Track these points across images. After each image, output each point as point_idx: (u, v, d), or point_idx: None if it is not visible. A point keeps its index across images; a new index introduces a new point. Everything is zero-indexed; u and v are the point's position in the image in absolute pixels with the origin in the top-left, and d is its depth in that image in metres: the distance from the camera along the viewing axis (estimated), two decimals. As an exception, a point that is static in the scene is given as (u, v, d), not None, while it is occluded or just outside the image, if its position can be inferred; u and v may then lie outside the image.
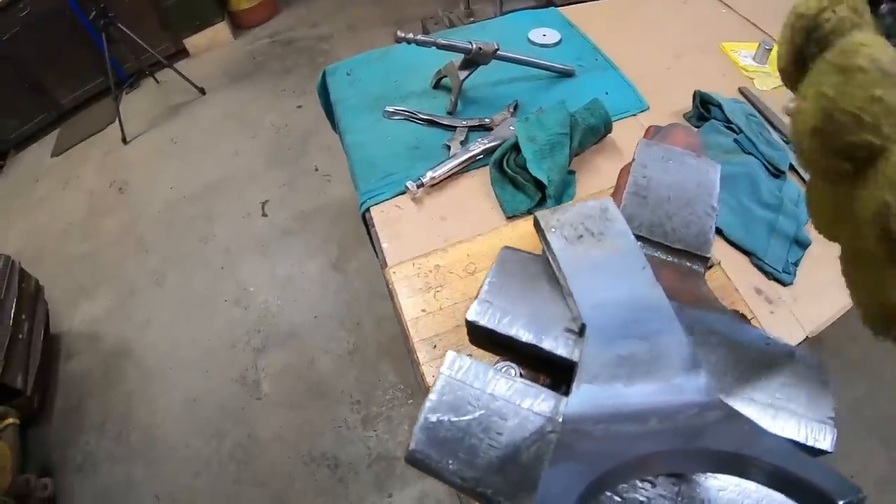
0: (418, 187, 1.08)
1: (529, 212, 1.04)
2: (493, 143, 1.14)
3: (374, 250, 1.08)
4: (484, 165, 1.14)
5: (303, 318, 2.28)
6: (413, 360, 0.86)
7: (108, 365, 2.30)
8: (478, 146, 1.14)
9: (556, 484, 0.21)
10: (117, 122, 3.30)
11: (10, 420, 1.92)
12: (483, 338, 0.40)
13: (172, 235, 2.72)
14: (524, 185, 1.05)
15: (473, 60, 1.24)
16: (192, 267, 2.57)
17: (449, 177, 1.12)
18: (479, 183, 1.12)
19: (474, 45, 1.21)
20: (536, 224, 0.37)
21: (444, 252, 0.94)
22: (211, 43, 3.87)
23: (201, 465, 1.96)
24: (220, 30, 3.85)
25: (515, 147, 1.09)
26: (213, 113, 3.38)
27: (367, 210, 1.11)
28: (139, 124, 3.39)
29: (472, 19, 2.64)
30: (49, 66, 3.38)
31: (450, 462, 0.31)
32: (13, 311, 2.13)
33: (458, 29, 1.67)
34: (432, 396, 0.34)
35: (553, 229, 0.36)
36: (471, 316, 0.39)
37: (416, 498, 1.77)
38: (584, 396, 0.27)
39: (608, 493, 0.27)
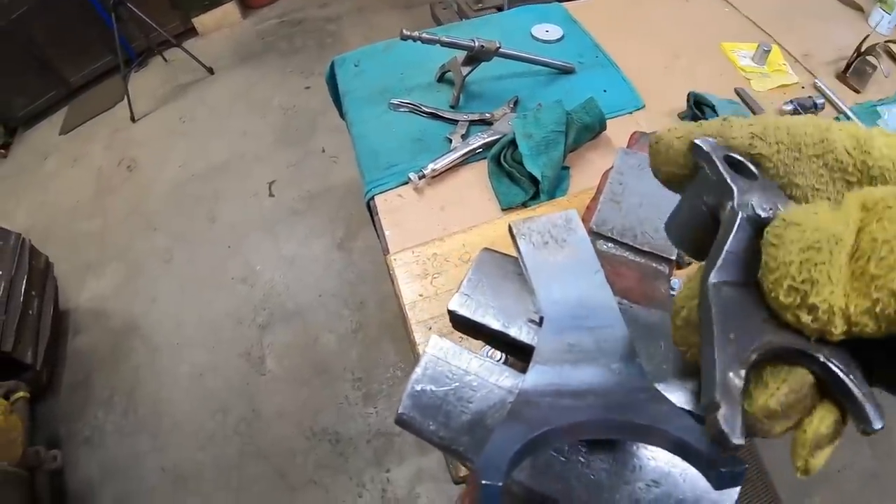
0: (420, 178, 1.14)
1: (524, 204, 1.10)
2: (492, 138, 1.20)
3: (378, 235, 1.14)
4: (483, 159, 1.20)
5: (308, 296, 2.34)
6: (410, 341, 0.93)
7: (115, 340, 2.37)
8: (478, 140, 1.20)
9: (502, 438, 0.27)
10: (126, 100, 3.33)
11: (20, 394, 1.98)
12: (462, 325, 0.48)
13: (180, 214, 2.78)
14: (520, 180, 1.11)
15: (476, 57, 1.29)
16: (199, 245, 2.63)
17: (449, 169, 1.18)
18: (477, 176, 1.18)
19: (477, 43, 1.26)
20: (510, 230, 0.42)
21: (441, 241, 1.01)
22: (220, 22, 3.90)
23: (206, 438, 2.04)
24: (230, 9, 3.88)
25: (513, 142, 1.15)
26: (221, 92, 3.42)
27: (372, 198, 1.17)
28: (148, 103, 3.43)
29: (480, 5, 2.67)
30: (58, 45, 3.42)
31: (430, 424, 0.37)
32: (23, 287, 2.18)
33: (464, 22, 1.72)
34: (418, 370, 0.41)
35: (523, 236, 0.42)
36: (451, 306, 0.47)
37: (412, 472, 1.85)
38: (537, 375, 0.34)
39: (553, 454, 0.34)
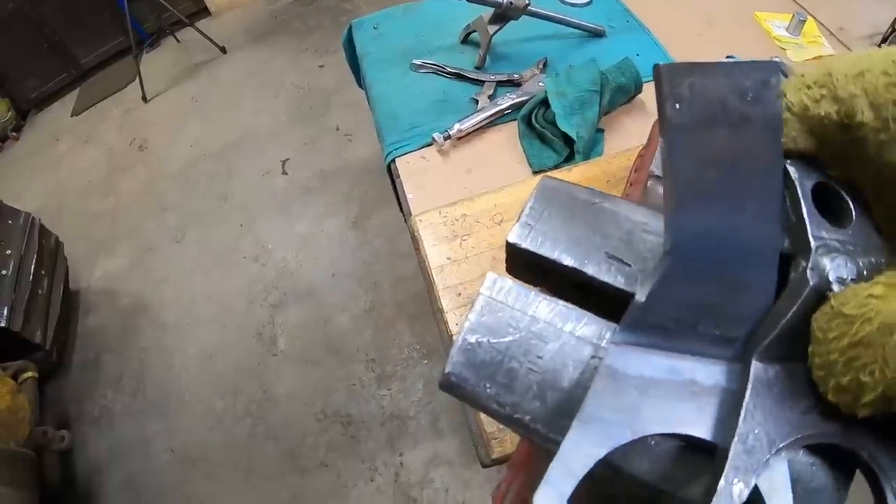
0: (445, 139, 1.08)
1: (556, 167, 1.03)
2: (521, 99, 1.13)
3: (399, 204, 1.08)
4: (511, 120, 1.14)
5: (321, 275, 2.29)
6: (437, 310, 0.86)
7: (125, 321, 2.34)
8: (506, 101, 1.13)
9: (568, 455, 0.23)
10: (138, 80, 3.29)
11: (29, 373, 1.95)
12: (523, 263, 0.39)
13: (192, 193, 2.74)
14: (552, 141, 1.04)
15: (504, 15, 1.22)
16: (211, 224, 2.58)
17: (475, 131, 1.11)
18: (505, 137, 1.11)
19: (505, 0, 1.19)
20: (658, 79, 0.25)
21: (470, 202, 0.94)
22: (233, 2, 3.84)
23: (215, 419, 2.00)
24: (243, -10, 3.82)
25: (544, 102, 1.08)
26: (233, 72, 3.37)
27: (392, 161, 1.11)
28: (159, 83, 3.39)
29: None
30: (69, 26, 3.39)
31: (487, 386, 0.29)
32: (33, 267, 2.16)
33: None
34: (471, 317, 0.32)
35: (675, 99, 0.25)
36: (512, 238, 0.37)
37: (427, 457, 1.79)
38: (634, 334, 0.27)
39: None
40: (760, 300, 0.25)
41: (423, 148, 1.11)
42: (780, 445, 0.23)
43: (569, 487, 0.24)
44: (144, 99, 3.32)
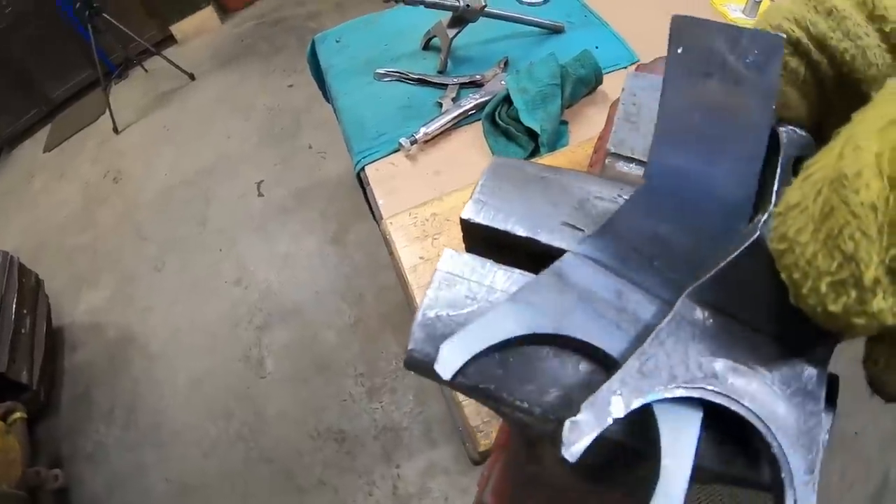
0: (412, 143, 1.08)
1: (523, 161, 1.04)
2: (484, 99, 1.14)
3: (372, 212, 1.08)
4: (476, 121, 1.14)
5: (304, 294, 2.28)
6: (414, 309, 0.86)
7: (112, 353, 2.31)
8: (470, 101, 1.14)
9: (479, 325, 0.24)
10: (108, 112, 3.28)
11: (18, 414, 1.93)
12: (479, 239, 0.39)
13: (169, 221, 2.72)
14: (517, 136, 1.05)
15: (462, 18, 1.24)
16: (190, 250, 2.57)
17: (441, 133, 1.12)
18: (471, 137, 1.12)
19: (462, 2, 1.20)
20: (671, 26, 0.27)
21: (440, 201, 0.95)
22: (198, 28, 3.84)
23: (209, 445, 1.98)
24: (207, 14, 3.82)
25: (507, 99, 1.09)
26: (203, 98, 3.36)
27: (362, 170, 1.11)
28: (130, 114, 3.38)
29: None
30: (36, 61, 3.37)
31: (465, 372, 0.30)
32: (14, 306, 2.13)
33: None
34: (429, 292, 0.31)
35: (677, 44, 0.27)
36: (465, 214, 0.37)
37: (423, 468, 1.78)
38: (593, 246, 0.28)
39: None
40: (722, 258, 0.24)
41: (391, 154, 1.11)
42: (681, 384, 0.23)
43: (476, 347, 0.25)
44: (116, 130, 3.30)
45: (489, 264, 0.33)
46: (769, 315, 0.24)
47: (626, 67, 1.27)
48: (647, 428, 0.24)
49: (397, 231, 0.92)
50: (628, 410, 0.22)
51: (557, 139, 1.07)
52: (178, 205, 2.78)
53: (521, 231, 0.35)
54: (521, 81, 1.08)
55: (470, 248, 0.42)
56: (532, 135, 1.03)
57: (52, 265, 2.63)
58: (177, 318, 2.34)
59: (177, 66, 3.40)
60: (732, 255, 0.23)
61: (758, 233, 0.23)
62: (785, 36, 0.25)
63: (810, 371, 0.24)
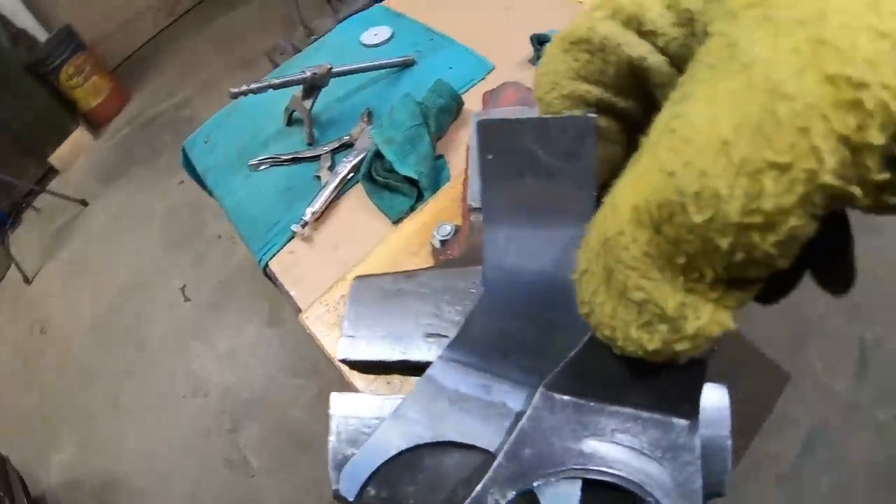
0: (303, 226, 1.09)
1: (412, 208, 1.05)
2: (358, 159, 1.15)
3: (286, 299, 1.08)
4: (357, 183, 1.15)
5: (261, 382, 2.26)
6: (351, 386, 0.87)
7: (101, 502, 2.23)
8: (345, 166, 1.15)
9: (368, 448, 0.27)
10: (14, 265, 3.15)
11: None
12: (362, 369, 0.42)
13: (109, 354, 2.64)
14: (398, 187, 1.06)
15: (313, 86, 1.25)
16: (139, 376, 2.50)
17: (329, 205, 1.13)
18: (358, 201, 1.13)
19: (308, 73, 1.21)
20: (477, 132, 0.27)
21: (344, 281, 0.95)
22: (75, 152, 3.71)
23: (223, 559, 1.94)
24: (79, 135, 3.70)
25: (378, 154, 1.10)
26: (101, 220, 3.26)
27: (266, 265, 1.11)
28: (35, 259, 3.24)
29: (313, 37, 2.62)
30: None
31: (370, 490, 0.32)
32: (-16, 493, 2.03)
33: (296, 57, 1.67)
34: (331, 439, 0.35)
35: (491, 155, 0.27)
36: (340, 355, 0.41)
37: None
38: (444, 366, 0.30)
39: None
40: (572, 340, 0.25)
41: (288, 242, 1.12)
42: (551, 471, 0.25)
43: (367, 471, 0.28)
44: (27, 280, 3.16)
45: (371, 398, 0.36)
46: (625, 388, 0.25)
47: (484, 78, 1.30)
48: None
49: (315, 323, 0.92)
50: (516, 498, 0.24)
51: (437, 177, 1.09)
52: (112, 334, 2.70)
53: (394, 356, 0.39)
54: (386, 132, 1.10)
55: (361, 371, 0.45)
56: (413, 181, 1.05)
57: (10, 437, 2.49)
58: (150, 446, 2.27)
59: (66, 197, 3.29)
60: (580, 345, 0.24)
61: None
62: (595, 115, 0.24)
63: (680, 424, 0.25)
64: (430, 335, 0.39)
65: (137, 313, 2.71)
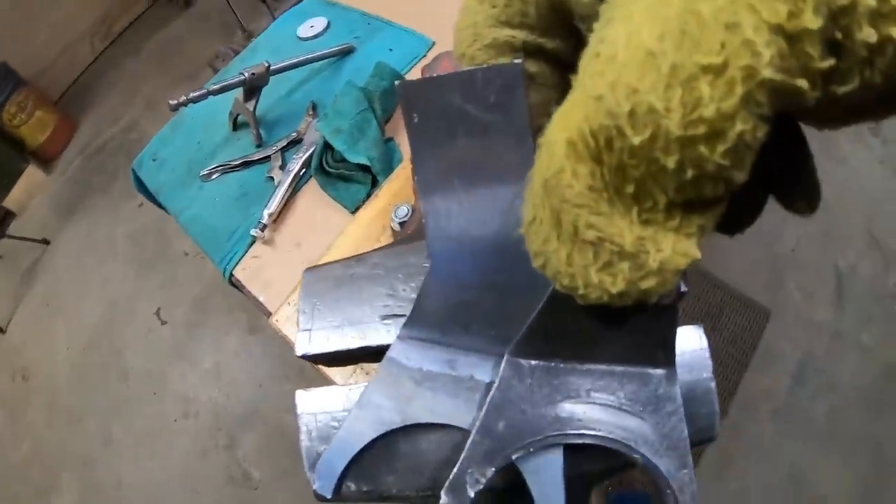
0: (262, 230, 1.07)
1: (369, 195, 1.04)
2: (308, 153, 1.13)
3: (256, 306, 1.06)
4: (311, 178, 1.13)
5: (250, 392, 2.24)
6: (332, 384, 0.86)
7: (108, 541, 2.20)
8: (296, 163, 1.13)
9: (340, 440, 0.26)
10: (-17, 316, 3.09)
11: None
12: (325, 362, 0.41)
13: (94, 390, 2.60)
14: (352, 176, 1.05)
15: (252, 87, 1.22)
16: (128, 409, 2.46)
17: (286, 205, 1.11)
18: (313, 196, 1.11)
19: (246, 74, 1.18)
20: (398, 96, 0.26)
21: (308, 278, 0.94)
22: (29, 191, 3.62)
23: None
24: (30, 174, 3.60)
25: (328, 145, 1.08)
26: (66, 257, 3.19)
27: (231, 275, 1.09)
28: (5, 306, 3.17)
29: (252, 40, 2.57)
30: None
31: (350, 484, 0.31)
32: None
33: (234, 61, 1.62)
34: (303, 437, 0.33)
35: (416, 117, 0.26)
36: (299, 351, 0.39)
37: None
38: (405, 345, 0.29)
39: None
40: (533, 300, 0.24)
41: (249, 248, 1.09)
42: (529, 442, 0.24)
43: (341, 465, 0.27)
44: (1, 330, 3.10)
45: (336, 390, 0.35)
46: (595, 344, 0.24)
47: (426, 55, 1.28)
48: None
49: (285, 325, 0.91)
50: (484, 482, 0.23)
51: (390, 160, 1.07)
52: (94, 370, 2.65)
53: (352, 344, 0.37)
54: (332, 122, 1.08)
55: (325, 365, 0.43)
56: (366, 168, 1.03)
57: (10, 493, 2.48)
58: (149, 477, 2.25)
59: (27, 239, 3.21)
60: (541, 304, 0.23)
61: None
62: (520, 61, 0.23)
63: (657, 374, 0.24)
64: (386, 317, 0.38)
65: (116, 345, 2.67)
